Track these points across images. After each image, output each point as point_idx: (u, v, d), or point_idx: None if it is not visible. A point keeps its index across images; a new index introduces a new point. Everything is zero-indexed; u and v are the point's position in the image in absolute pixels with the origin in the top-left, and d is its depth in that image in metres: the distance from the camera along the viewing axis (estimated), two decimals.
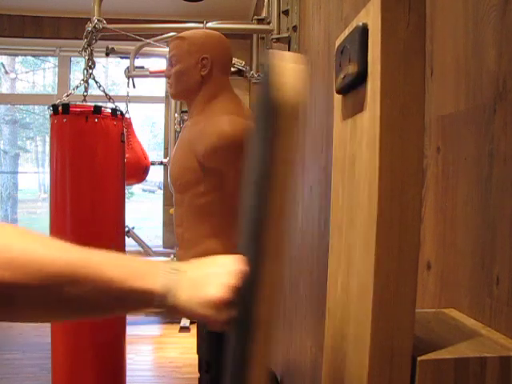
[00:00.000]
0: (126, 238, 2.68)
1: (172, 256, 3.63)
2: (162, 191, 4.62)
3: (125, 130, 2.09)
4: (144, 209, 7.81)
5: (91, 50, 2.00)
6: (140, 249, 4.02)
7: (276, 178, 0.48)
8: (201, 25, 2.10)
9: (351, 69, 0.59)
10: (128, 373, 2.14)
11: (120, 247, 2.02)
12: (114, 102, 2.08)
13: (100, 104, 1.89)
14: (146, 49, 3.14)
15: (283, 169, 0.48)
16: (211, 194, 1.45)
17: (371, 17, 0.54)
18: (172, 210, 1.71)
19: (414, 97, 0.51)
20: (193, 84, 1.54)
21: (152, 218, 6.20)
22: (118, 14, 3.79)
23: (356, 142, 0.60)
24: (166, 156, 4.15)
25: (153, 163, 3.77)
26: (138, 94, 4.13)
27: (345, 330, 0.62)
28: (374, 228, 0.51)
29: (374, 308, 0.51)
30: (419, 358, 0.51)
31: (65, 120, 1.84)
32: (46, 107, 1.98)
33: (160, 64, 3.65)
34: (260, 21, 2.36)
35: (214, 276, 0.55)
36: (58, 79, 4.57)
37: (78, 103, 1.90)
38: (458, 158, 0.70)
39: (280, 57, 0.47)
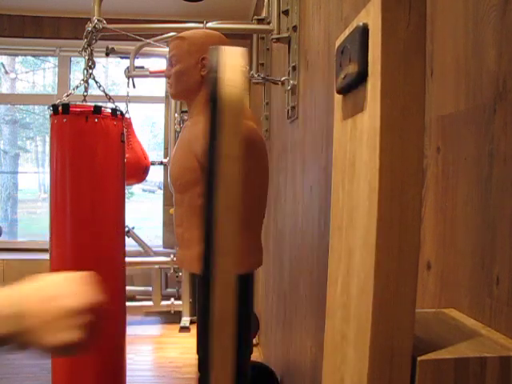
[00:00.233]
0: (126, 237, 2.68)
1: (172, 256, 3.63)
2: (162, 191, 4.62)
3: (125, 129, 2.09)
4: (144, 209, 7.80)
5: (91, 50, 2.00)
6: (140, 249, 4.02)
7: (221, 175, 0.48)
8: (201, 25, 2.10)
9: (351, 69, 0.59)
10: (128, 373, 2.14)
11: (120, 247, 2.02)
12: (113, 102, 2.08)
13: (100, 104, 1.89)
14: (146, 49, 3.15)
15: (228, 165, 0.48)
16: None
17: (371, 17, 0.54)
18: (172, 210, 1.71)
19: (414, 97, 0.51)
20: (193, 84, 1.54)
21: (152, 217, 6.20)
22: (118, 13, 3.79)
23: (356, 142, 0.60)
24: (166, 156, 4.15)
25: (153, 163, 3.77)
26: (138, 94, 4.12)
27: (345, 330, 0.62)
28: (374, 228, 0.51)
29: (374, 308, 0.51)
30: (419, 358, 0.51)
31: (65, 120, 1.84)
32: (46, 107, 1.98)
33: (160, 64, 3.65)
34: (260, 21, 2.36)
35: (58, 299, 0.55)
36: (58, 79, 4.56)
37: (78, 103, 1.90)
38: (457, 157, 0.70)
39: (223, 53, 0.47)
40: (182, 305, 3.62)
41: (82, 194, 1.86)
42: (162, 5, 3.91)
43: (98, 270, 2.23)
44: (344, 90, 0.65)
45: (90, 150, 1.86)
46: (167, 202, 4.37)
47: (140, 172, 3.47)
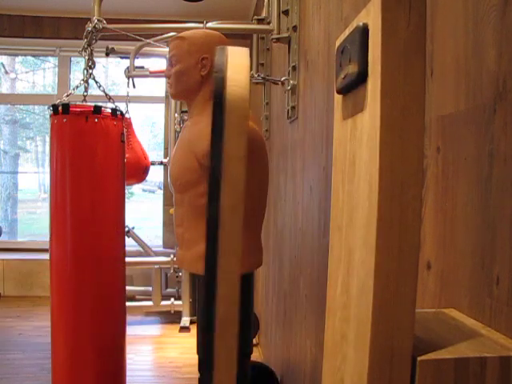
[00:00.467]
0: (126, 237, 2.68)
1: (172, 256, 3.63)
2: (162, 191, 4.62)
3: (125, 129, 2.09)
4: (144, 209, 7.80)
5: (91, 50, 2.00)
6: (140, 249, 4.02)
7: (226, 175, 0.48)
8: (201, 25, 2.10)
9: (351, 69, 0.59)
10: (128, 373, 2.14)
11: (120, 247, 2.02)
12: (113, 102, 2.08)
13: (100, 104, 1.89)
14: (146, 49, 3.14)
15: (233, 165, 0.48)
16: None
17: (371, 17, 0.54)
18: (172, 210, 1.71)
19: (414, 97, 0.51)
20: (193, 84, 1.54)
21: (152, 217, 6.20)
22: (118, 13, 3.80)
23: (356, 142, 0.60)
24: (166, 156, 4.15)
25: (153, 163, 3.77)
26: (138, 94, 4.13)
27: (345, 330, 0.62)
28: (374, 228, 0.51)
29: (374, 308, 0.51)
30: (419, 358, 0.51)
31: (65, 120, 1.84)
32: (46, 107, 1.97)
33: (160, 64, 3.65)
34: (260, 21, 2.36)
35: None
36: (58, 79, 4.56)
37: (78, 103, 1.90)
38: (457, 157, 0.70)
39: (227, 53, 0.47)
40: (182, 305, 3.62)
41: (82, 194, 1.86)
42: (162, 5, 3.91)
43: (98, 269, 2.23)
44: (344, 90, 0.65)
45: (90, 150, 1.86)
46: (167, 202, 4.37)
47: (140, 172, 3.47)
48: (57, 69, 4.62)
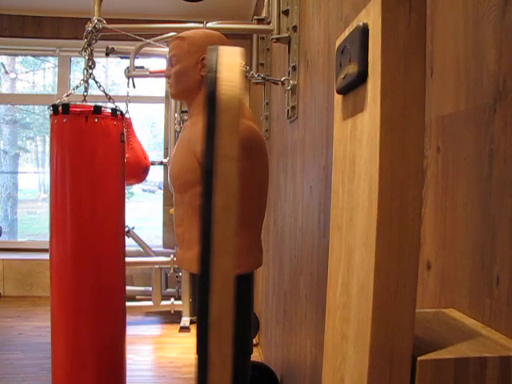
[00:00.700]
0: (126, 237, 2.68)
1: (172, 256, 3.63)
2: (162, 191, 4.62)
3: (125, 129, 2.09)
4: (144, 209, 7.81)
5: (91, 50, 2.00)
6: (140, 249, 4.02)
7: (219, 175, 0.48)
8: (201, 25, 2.10)
9: (351, 69, 0.59)
10: (128, 373, 2.14)
11: (120, 247, 2.02)
12: (113, 102, 2.08)
13: (100, 104, 1.89)
14: (146, 49, 3.15)
15: (225, 165, 0.48)
16: None
17: (371, 17, 0.54)
18: (172, 210, 1.71)
19: (414, 97, 0.51)
20: (193, 84, 1.54)
21: (152, 217, 6.20)
22: (118, 14, 3.80)
23: (356, 142, 0.60)
24: (166, 156, 4.15)
25: (153, 163, 3.77)
26: (138, 94, 4.13)
27: (345, 330, 0.62)
28: (374, 228, 0.51)
29: (374, 308, 0.51)
30: (419, 358, 0.51)
31: (65, 120, 1.84)
32: (46, 107, 1.97)
33: (160, 64, 3.66)
34: (260, 21, 2.36)
35: None
36: (58, 79, 4.57)
37: (78, 103, 1.90)
38: (457, 158, 0.70)
39: (220, 52, 0.47)
40: (182, 305, 3.62)
41: (82, 194, 1.86)
42: (162, 5, 3.91)
43: (98, 270, 2.22)
44: (344, 90, 0.65)
45: (90, 150, 1.86)
46: (167, 202, 4.37)
47: (140, 172, 3.47)
48: (57, 69, 4.63)
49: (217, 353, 0.51)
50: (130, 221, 3.46)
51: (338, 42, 0.67)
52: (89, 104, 1.90)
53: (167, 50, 1.69)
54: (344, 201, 0.65)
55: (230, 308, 0.52)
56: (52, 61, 5.43)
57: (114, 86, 6.28)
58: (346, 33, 0.63)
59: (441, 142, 0.75)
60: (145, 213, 7.47)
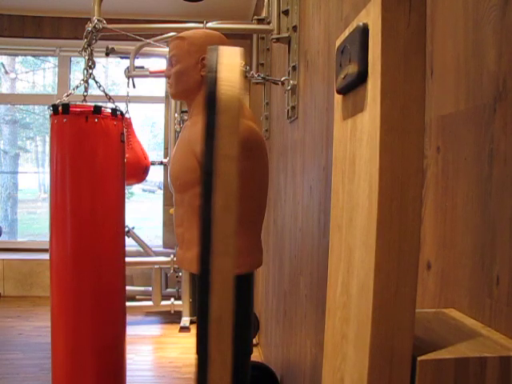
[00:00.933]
0: (126, 237, 2.68)
1: (172, 256, 3.63)
2: (162, 191, 4.62)
3: (125, 129, 2.09)
4: (144, 209, 7.81)
5: (91, 50, 2.00)
6: (140, 249, 4.02)
7: (218, 175, 0.48)
8: (201, 25, 2.10)
9: (351, 69, 0.59)
10: (128, 373, 2.14)
11: (120, 247, 2.02)
12: (113, 102, 2.08)
13: (100, 104, 1.89)
14: (146, 49, 3.15)
15: (225, 165, 0.48)
16: None
17: (371, 17, 0.54)
18: (172, 210, 1.71)
19: (414, 97, 0.51)
20: (193, 84, 1.54)
21: (152, 217, 6.20)
22: (118, 14, 3.80)
23: (356, 142, 0.60)
24: (166, 156, 4.15)
25: (153, 163, 3.77)
26: (138, 94, 4.13)
27: (345, 330, 0.62)
28: (374, 228, 0.51)
29: (374, 308, 0.51)
30: (419, 358, 0.51)
31: (65, 120, 1.84)
32: (46, 107, 1.97)
33: (160, 64, 3.66)
34: (260, 21, 2.36)
35: None
36: (58, 79, 4.57)
37: (78, 103, 1.90)
38: (457, 157, 0.70)
39: (220, 52, 0.47)
40: (182, 305, 3.62)
41: (81, 193, 1.86)
42: (162, 5, 3.91)
43: (98, 270, 2.23)
44: (344, 90, 0.65)
45: (90, 150, 1.86)
46: (167, 202, 4.37)
47: (140, 172, 3.47)
48: (57, 69, 4.63)
49: (217, 353, 0.51)
50: (129, 221, 3.46)
51: (338, 42, 0.67)
52: (89, 104, 1.90)
53: (167, 50, 1.69)
54: (344, 201, 0.65)
55: (230, 308, 0.52)
56: (52, 61, 5.43)
57: (113, 85, 6.28)
58: (346, 33, 0.63)
59: (441, 142, 0.75)
60: (145, 213, 7.48)
